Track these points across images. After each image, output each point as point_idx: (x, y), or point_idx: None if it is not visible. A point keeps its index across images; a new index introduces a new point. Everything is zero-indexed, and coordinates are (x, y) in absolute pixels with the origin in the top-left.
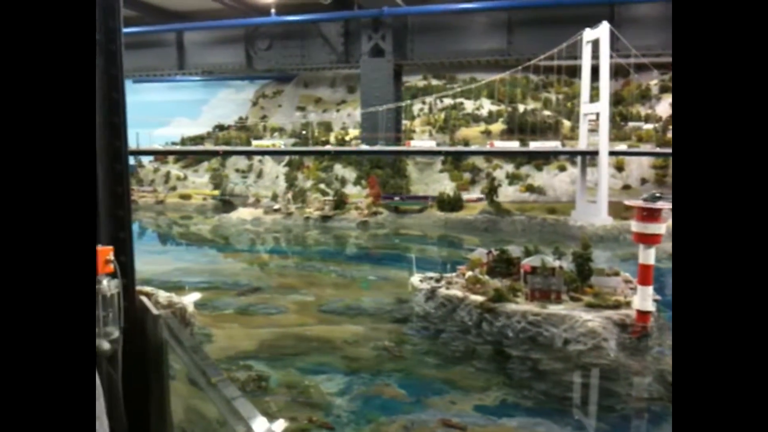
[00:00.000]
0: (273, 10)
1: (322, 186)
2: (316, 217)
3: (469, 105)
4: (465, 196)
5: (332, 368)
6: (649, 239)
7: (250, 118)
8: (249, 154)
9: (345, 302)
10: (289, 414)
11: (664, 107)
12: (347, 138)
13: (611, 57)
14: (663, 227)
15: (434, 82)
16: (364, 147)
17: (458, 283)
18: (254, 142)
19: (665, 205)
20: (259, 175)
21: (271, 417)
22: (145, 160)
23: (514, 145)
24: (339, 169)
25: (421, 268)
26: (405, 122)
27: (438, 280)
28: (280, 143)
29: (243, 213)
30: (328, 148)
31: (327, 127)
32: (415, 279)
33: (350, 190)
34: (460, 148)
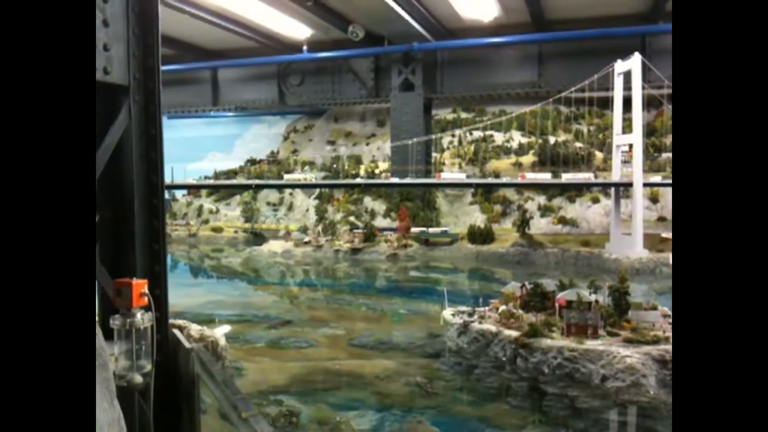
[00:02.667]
0: (305, 47)
1: (352, 218)
2: (346, 250)
3: (498, 137)
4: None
5: (364, 404)
6: None
7: (282, 152)
8: (280, 188)
9: (376, 336)
10: None
11: None
12: (377, 171)
13: (643, 88)
14: None
15: (463, 115)
16: (394, 180)
17: (491, 318)
18: (285, 176)
19: None
20: (290, 208)
21: None
22: (179, 194)
23: (546, 176)
24: (368, 201)
25: (452, 301)
26: (435, 155)
27: (471, 314)
28: (311, 176)
29: (274, 246)
30: (358, 180)
31: (357, 160)
32: (447, 313)
33: (380, 222)
34: (491, 180)
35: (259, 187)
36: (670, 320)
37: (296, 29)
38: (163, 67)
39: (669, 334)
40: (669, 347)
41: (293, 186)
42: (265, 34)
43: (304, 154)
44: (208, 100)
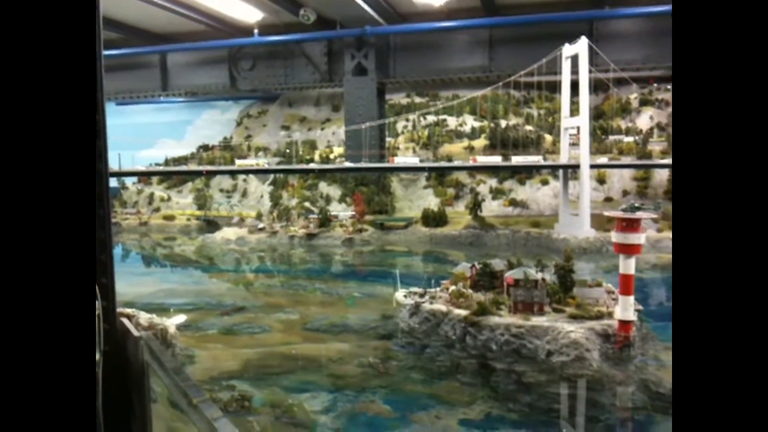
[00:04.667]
0: (256, 31)
1: (307, 204)
2: (301, 236)
3: (452, 122)
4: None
5: (317, 386)
6: (629, 249)
7: (235, 138)
8: (232, 174)
9: (330, 320)
10: None
11: (644, 120)
12: (332, 156)
13: (590, 72)
14: (643, 237)
15: (417, 99)
16: (348, 164)
17: (442, 298)
18: (238, 162)
19: (644, 216)
20: (244, 194)
21: None
22: (129, 181)
23: (496, 159)
24: (324, 187)
25: (407, 283)
26: (389, 139)
27: (422, 295)
28: (263, 162)
29: (227, 233)
30: (312, 166)
31: (312, 145)
32: (400, 295)
33: (335, 207)
34: (444, 163)
35: (210, 173)
36: (614, 296)
37: (247, 12)
38: (109, 52)
39: (612, 309)
40: (612, 322)
41: (245, 172)
42: (215, 17)
43: (258, 139)
44: (157, 85)
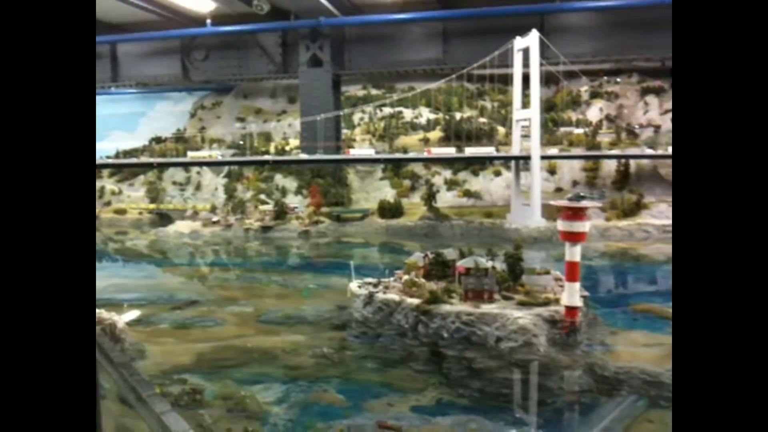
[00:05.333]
0: (209, 21)
1: (263, 196)
2: (257, 228)
3: (408, 114)
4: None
5: (270, 378)
6: (574, 237)
7: (189, 130)
8: (185, 166)
9: (285, 312)
10: (224, 425)
11: (594, 112)
12: (287, 148)
13: (541, 65)
14: (587, 225)
15: (374, 91)
16: (304, 156)
17: (395, 287)
18: (190, 154)
19: (589, 205)
20: (198, 187)
21: (206, 429)
22: None
23: (450, 151)
24: (279, 179)
25: (363, 274)
26: (345, 131)
27: (375, 285)
28: (216, 154)
29: (181, 226)
30: (266, 157)
31: (267, 137)
32: (354, 285)
33: (291, 199)
34: (398, 155)
35: (162, 166)
36: (561, 283)
37: (199, 2)
38: None
39: (559, 296)
40: (559, 308)
41: (197, 164)
42: (167, 7)
43: (212, 131)
44: (107, 75)
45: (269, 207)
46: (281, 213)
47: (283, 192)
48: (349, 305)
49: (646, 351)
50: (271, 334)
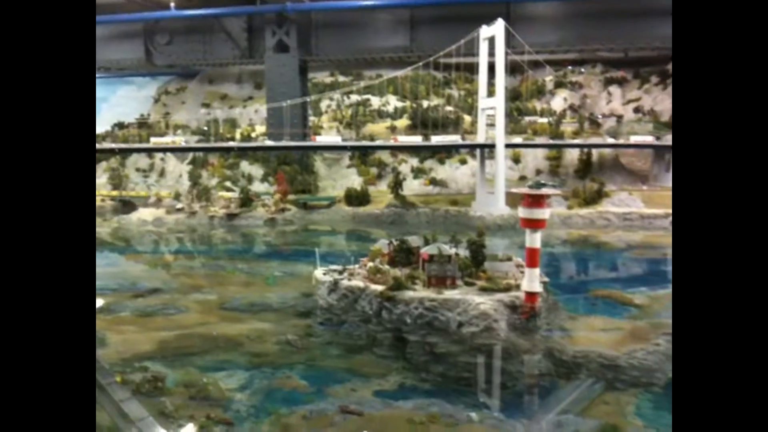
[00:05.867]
0: (173, 4)
1: (228, 183)
2: (222, 216)
3: (375, 101)
4: None
5: (233, 365)
6: (534, 224)
7: (153, 116)
8: (148, 152)
9: (249, 299)
10: (186, 412)
11: (558, 102)
12: (253, 134)
13: (507, 54)
14: (547, 212)
15: (341, 78)
16: (270, 143)
17: (360, 274)
18: (153, 140)
19: (549, 192)
20: (162, 174)
21: (168, 417)
22: None
23: (416, 139)
24: (245, 166)
25: (329, 261)
26: (312, 118)
27: (340, 272)
28: (180, 140)
29: (144, 213)
30: (231, 144)
31: (233, 123)
32: (319, 272)
33: (257, 187)
34: (365, 142)
35: (124, 152)
36: (523, 269)
37: None
38: None
39: (520, 282)
40: (519, 293)
41: (160, 150)
42: None
43: (177, 117)
44: None
45: (235, 194)
46: (247, 200)
47: (249, 179)
48: (314, 292)
49: (604, 335)
50: (235, 322)
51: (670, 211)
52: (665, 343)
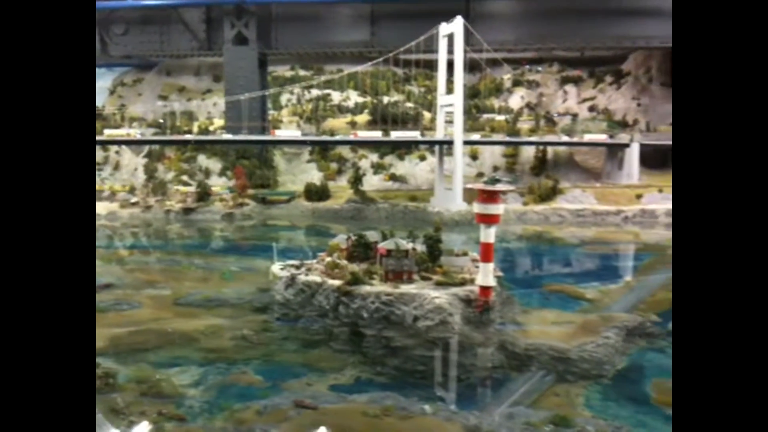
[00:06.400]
0: None
1: (185, 177)
2: (178, 210)
3: (336, 96)
4: None
5: (187, 360)
6: (489, 219)
7: (108, 108)
8: (102, 144)
9: (204, 294)
10: (138, 408)
11: (515, 100)
12: (211, 128)
13: (466, 51)
14: (501, 208)
15: (302, 72)
16: (227, 136)
17: (318, 269)
18: (107, 132)
19: (503, 188)
20: (116, 167)
21: (119, 413)
22: None
23: (376, 134)
24: (203, 159)
25: (288, 257)
26: (272, 112)
27: (298, 268)
28: (135, 133)
29: (97, 207)
30: (188, 137)
31: (190, 116)
32: (276, 267)
33: (215, 181)
34: (324, 137)
35: None
36: (478, 264)
37: None
38: None
39: (475, 276)
40: (474, 288)
41: (115, 142)
42: None
43: (132, 109)
44: None
45: (192, 188)
46: (204, 195)
47: (207, 173)
48: (271, 287)
49: (556, 329)
50: (190, 317)
51: (622, 207)
52: (615, 336)
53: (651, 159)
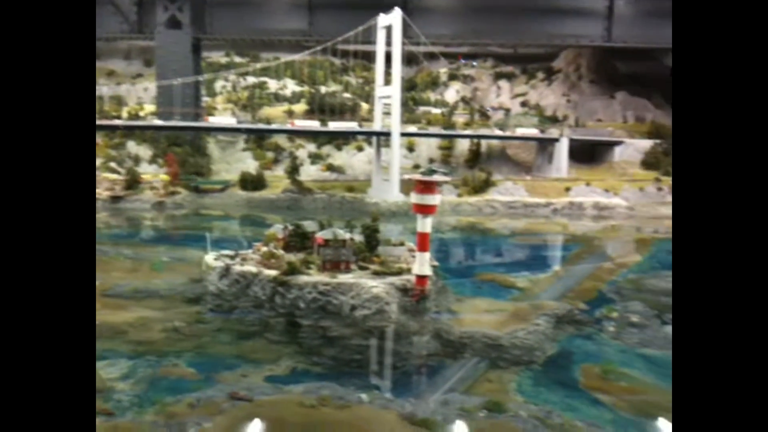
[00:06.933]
0: None
1: (113, 164)
2: (106, 198)
3: (272, 84)
4: None
5: (115, 353)
6: (426, 209)
7: None
8: None
9: (134, 286)
10: None
11: (451, 94)
12: (142, 113)
13: (403, 44)
14: (438, 198)
15: (237, 59)
16: (158, 122)
17: (253, 260)
18: None
19: (440, 179)
20: None
21: None
22: None
23: (314, 124)
24: (132, 146)
25: (222, 247)
26: (206, 99)
27: (233, 258)
28: None
29: None
30: (117, 122)
31: (119, 101)
32: (209, 258)
33: (145, 169)
34: (260, 125)
35: None
36: (414, 254)
37: None
38: None
39: (412, 266)
40: (410, 277)
41: None
42: None
43: None
44: None
45: (120, 176)
46: (134, 182)
47: (137, 160)
48: (204, 278)
49: (488, 317)
50: (119, 309)
51: (551, 200)
52: (545, 324)
53: (579, 153)
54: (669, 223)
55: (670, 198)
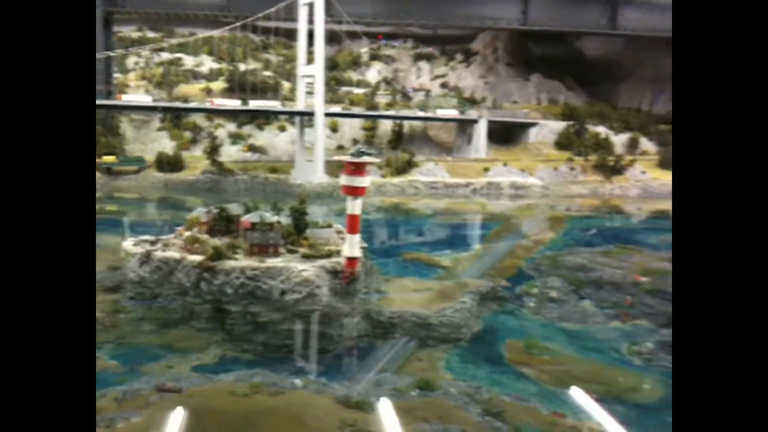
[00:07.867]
0: None
1: None
2: None
3: (189, 61)
4: None
5: None
6: (355, 191)
7: None
8: None
9: None
10: None
11: (372, 74)
12: None
13: (327, 22)
14: (368, 180)
15: (150, 34)
16: None
17: (176, 245)
18: None
19: (369, 161)
20: None
21: None
22: None
23: (235, 103)
24: None
25: (139, 232)
26: (117, 75)
27: (153, 243)
28: None
29: None
30: None
31: None
32: (128, 244)
33: None
34: (179, 104)
35: None
36: (343, 236)
37: None
38: None
39: (341, 248)
40: (340, 259)
41: None
42: None
43: None
44: None
45: None
46: None
47: None
48: (123, 265)
49: (415, 296)
50: None
51: (471, 180)
52: (470, 301)
53: (496, 134)
54: (581, 201)
55: (581, 177)
